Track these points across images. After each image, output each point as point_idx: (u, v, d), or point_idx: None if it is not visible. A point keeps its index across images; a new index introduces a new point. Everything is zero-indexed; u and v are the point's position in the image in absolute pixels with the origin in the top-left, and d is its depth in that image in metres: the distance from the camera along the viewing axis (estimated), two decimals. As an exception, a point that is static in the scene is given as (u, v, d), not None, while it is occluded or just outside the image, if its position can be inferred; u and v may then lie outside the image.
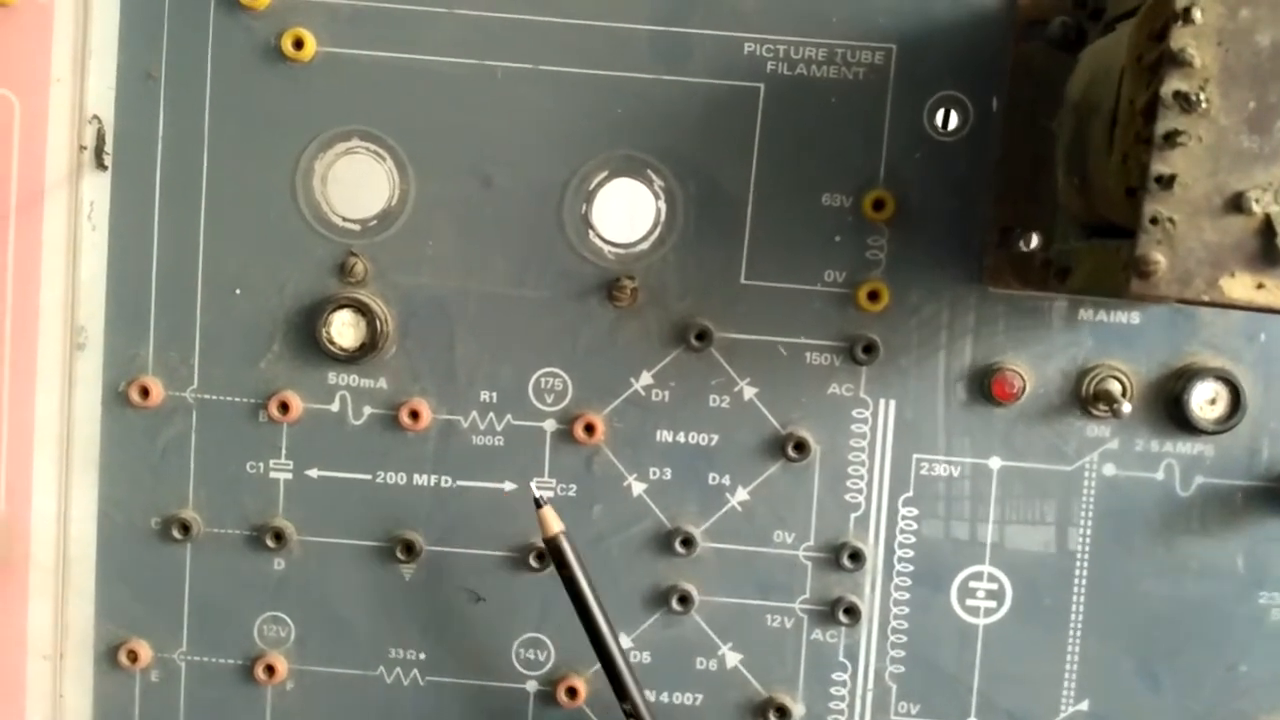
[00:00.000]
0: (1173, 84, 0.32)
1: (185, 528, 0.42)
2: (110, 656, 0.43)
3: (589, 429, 0.42)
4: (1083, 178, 0.37)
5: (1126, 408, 0.40)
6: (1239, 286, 0.32)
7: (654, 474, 0.43)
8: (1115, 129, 0.34)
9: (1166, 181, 0.32)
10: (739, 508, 0.42)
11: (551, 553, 0.40)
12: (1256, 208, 0.32)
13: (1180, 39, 0.31)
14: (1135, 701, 0.42)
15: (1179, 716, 0.42)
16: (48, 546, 0.43)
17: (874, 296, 0.41)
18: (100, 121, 0.42)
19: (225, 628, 0.43)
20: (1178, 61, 0.31)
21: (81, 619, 0.43)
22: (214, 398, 0.42)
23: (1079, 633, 0.42)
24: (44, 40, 0.42)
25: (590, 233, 0.42)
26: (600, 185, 0.41)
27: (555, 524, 0.40)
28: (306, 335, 0.42)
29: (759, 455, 0.42)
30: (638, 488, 0.43)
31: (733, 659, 0.43)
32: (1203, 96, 0.32)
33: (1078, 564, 0.42)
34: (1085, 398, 0.41)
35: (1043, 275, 0.39)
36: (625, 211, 0.41)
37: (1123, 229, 0.34)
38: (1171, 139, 0.32)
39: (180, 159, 0.42)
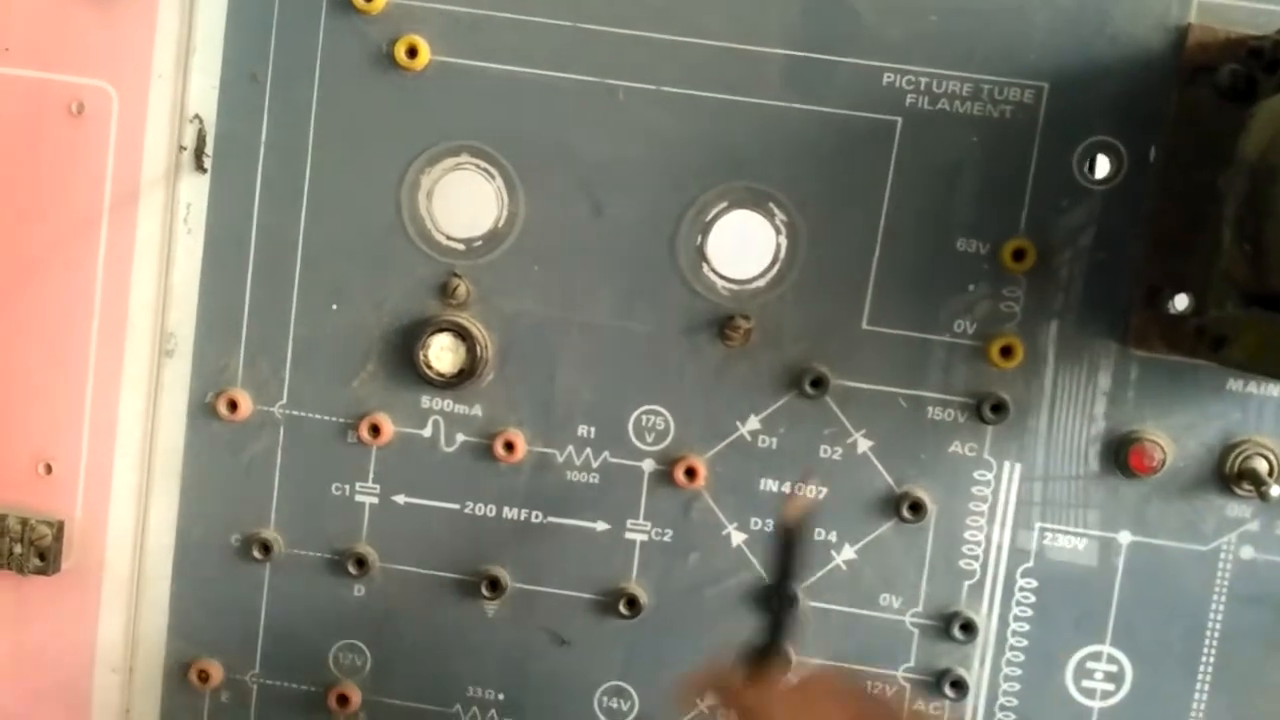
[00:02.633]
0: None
1: (266, 547, 0.41)
2: (180, 673, 0.42)
3: (690, 473, 0.40)
4: (1256, 245, 0.34)
5: (1276, 490, 0.37)
6: None
7: (755, 524, 0.40)
8: (1305, 196, 0.31)
9: (1367, 261, 0.29)
10: (844, 566, 0.40)
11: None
12: None
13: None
14: (1258, 800, 0.40)
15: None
16: (123, 557, 0.42)
17: (1007, 352, 0.38)
18: (201, 121, 0.40)
19: (300, 652, 0.42)
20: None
21: (153, 633, 0.42)
22: (303, 415, 0.41)
23: (1202, 723, 0.39)
24: (147, 33, 0.40)
25: (704, 266, 0.39)
26: (718, 216, 0.39)
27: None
28: (403, 356, 0.40)
29: (870, 512, 0.40)
30: (737, 538, 0.40)
31: (828, 725, 0.41)
32: None
33: (1205, 649, 0.39)
34: (1228, 475, 0.38)
35: (1194, 342, 0.36)
36: (743, 246, 0.39)
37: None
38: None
39: (282, 165, 0.40)
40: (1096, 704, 0.40)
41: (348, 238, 0.40)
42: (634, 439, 0.40)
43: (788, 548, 0.37)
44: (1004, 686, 0.40)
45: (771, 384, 0.40)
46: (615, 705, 0.41)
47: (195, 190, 0.40)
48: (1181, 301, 0.37)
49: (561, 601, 0.41)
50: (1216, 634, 0.39)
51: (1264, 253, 0.33)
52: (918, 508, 0.39)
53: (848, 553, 0.40)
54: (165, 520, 0.42)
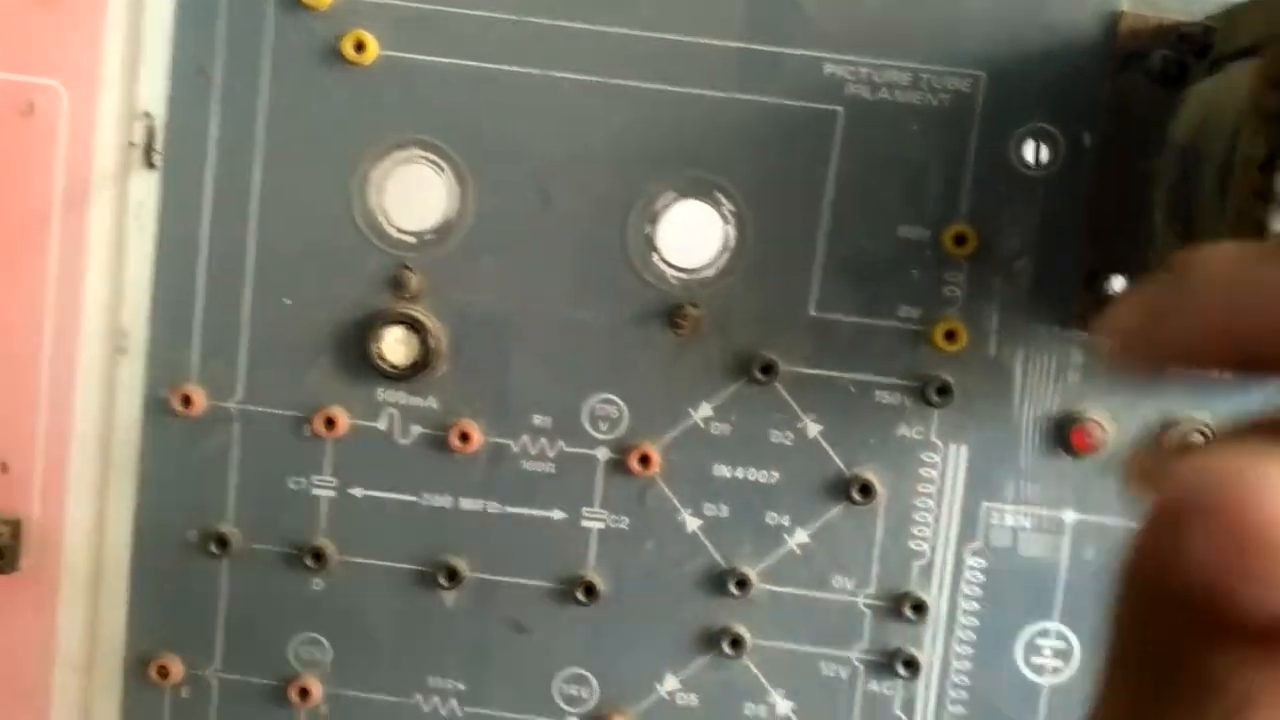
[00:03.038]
0: (1302, 135, 0.30)
1: (223, 542, 0.41)
2: (140, 670, 0.42)
3: (644, 460, 0.40)
4: (1186, 226, 0.35)
5: (1214, 466, 0.38)
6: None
7: (710, 510, 0.41)
8: (1229, 180, 0.32)
9: (1287, 240, 0.30)
10: (798, 550, 0.41)
11: None
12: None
13: (1315, 89, 0.28)
14: (1203, 770, 0.40)
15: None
16: (81, 554, 0.42)
17: (951, 336, 0.39)
18: (151, 118, 0.40)
19: (260, 647, 0.42)
20: (1310, 113, 0.29)
21: (113, 631, 0.42)
22: (258, 409, 0.41)
23: (1148, 696, 0.40)
24: (95, 30, 0.40)
25: (654, 255, 0.40)
26: (667, 206, 0.40)
27: None
28: (356, 350, 0.40)
29: (821, 496, 0.40)
30: (692, 524, 0.41)
31: (784, 707, 0.41)
32: (1333, 149, 0.30)
33: (1150, 624, 0.40)
34: (1170, 455, 0.39)
35: (1132, 323, 0.37)
36: (692, 235, 0.40)
37: (1230, 284, 0.32)
38: (1296, 194, 0.30)
39: (233, 161, 0.40)
40: (1047, 681, 0.41)
41: (299, 232, 0.40)
42: (588, 428, 0.41)
43: None
44: (955, 665, 0.41)
45: (722, 371, 0.40)
46: (575, 692, 0.42)
47: (146, 188, 0.40)
48: (1119, 284, 0.38)
49: (520, 590, 0.41)
50: (1160, 608, 0.40)
51: (1193, 235, 0.34)
52: (867, 490, 0.40)
53: (800, 536, 0.41)
54: (123, 517, 0.42)
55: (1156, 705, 0.16)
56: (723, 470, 0.41)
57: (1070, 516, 0.40)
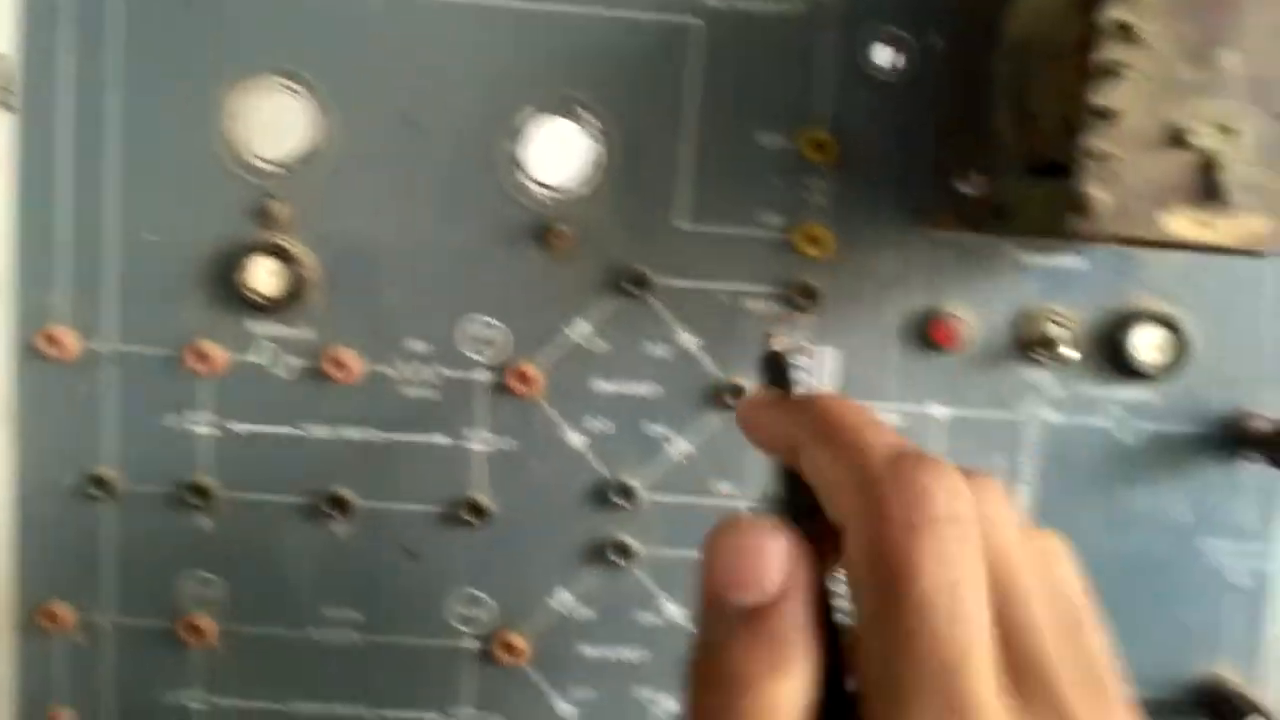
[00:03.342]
0: (1112, 12, 0.31)
1: (104, 484, 0.41)
2: (32, 620, 0.42)
3: (524, 379, 0.41)
4: (1023, 114, 0.36)
5: (1073, 354, 0.39)
6: (1180, 223, 0.32)
7: (593, 426, 0.41)
8: (1054, 62, 0.33)
9: (1106, 115, 0.31)
10: (681, 459, 0.42)
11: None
12: (1197, 142, 0.31)
13: (1120, -37, 0.30)
14: (1077, 649, 0.42)
15: (1127, 672, 0.42)
16: (-39, 506, 0.41)
17: (814, 240, 0.40)
18: (5, 59, 0.39)
19: (151, 589, 0.42)
20: (1117, -13, 0.30)
21: (1, 581, 0.42)
22: (130, 349, 0.41)
23: (1021, 581, 0.42)
24: (-58, -28, 0.39)
25: (521, 175, 0.40)
26: (532, 125, 0.40)
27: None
28: (226, 283, 0.40)
29: (701, 405, 0.41)
30: (576, 439, 0.42)
31: (675, 612, 0.42)
32: (1143, 25, 0.31)
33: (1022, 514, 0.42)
34: (1027, 344, 0.41)
35: (986, 218, 0.38)
36: (558, 152, 0.40)
37: (1063, 167, 0.33)
38: (1111, 70, 0.31)
39: (89, 97, 0.39)
40: (924, 571, 0.42)
41: (160, 166, 0.40)
42: (466, 351, 0.41)
43: (776, 369, 0.35)
44: (836, 561, 0.42)
45: (596, 287, 0.41)
46: (470, 613, 0.42)
47: (3, 130, 0.40)
48: (973, 182, 0.39)
49: (409, 516, 0.42)
50: (1037, 500, 0.42)
51: (1031, 120, 0.35)
52: (741, 394, 0.41)
53: (682, 445, 0.41)
54: (4, 465, 0.41)
55: (702, 692, 0.24)
56: (603, 385, 0.41)
57: (941, 412, 0.41)
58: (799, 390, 0.33)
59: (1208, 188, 0.31)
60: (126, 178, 0.40)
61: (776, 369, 0.35)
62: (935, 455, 0.25)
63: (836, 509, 0.25)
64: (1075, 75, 0.31)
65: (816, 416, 0.27)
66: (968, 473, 0.25)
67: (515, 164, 0.40)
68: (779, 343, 0.36)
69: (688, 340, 0.41)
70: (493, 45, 0.39)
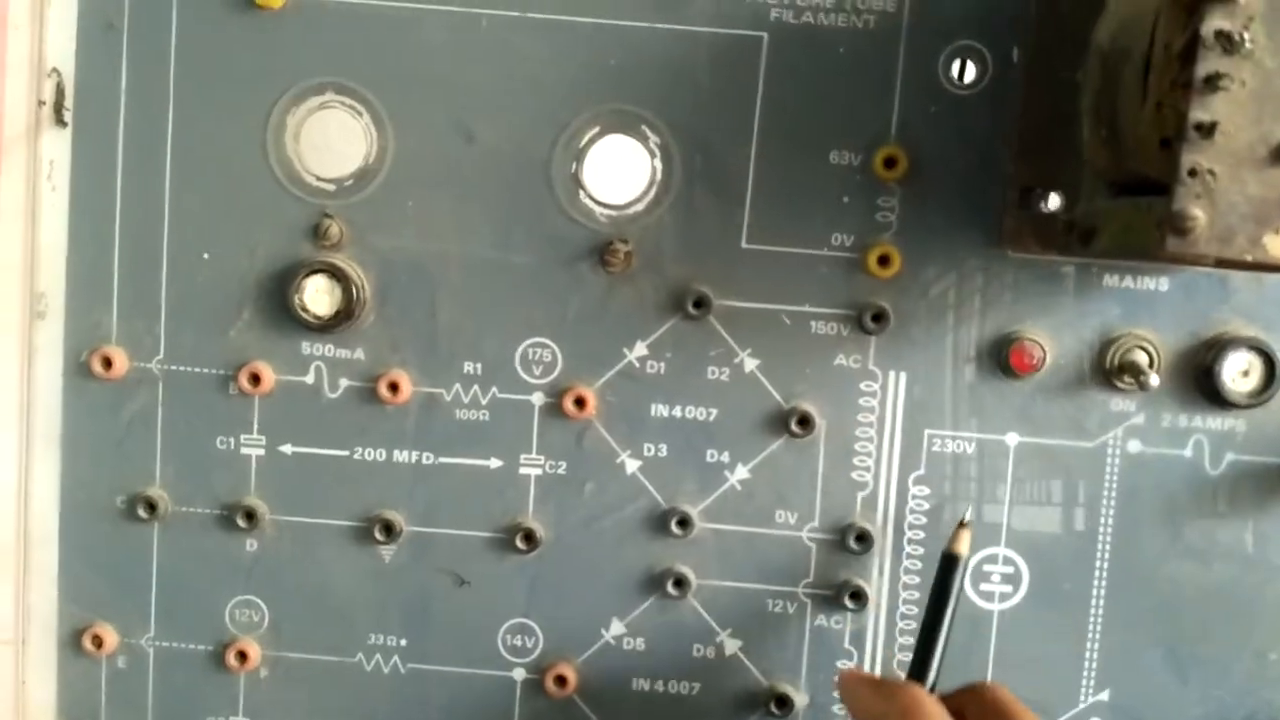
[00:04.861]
0: (1214, 22, 0.29)
1: (151, 506, 0.40)
2: (75, 642, 0.41)
3: (579, 403, 0.39)
4: (1112, 130, 0.34)
5: (1154, 380, 0.37)
6: (1283, 245, 0.30)
7: (649, 450, 0.40)
8: (1149, 75, 0.31)
9: (1206, 130, 0.29)
10: (739, 486, 0.40)
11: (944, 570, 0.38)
12: (1305, 158, 0.29)
13: (1225, -31, 0.28)
14: (1159, 691, 0.40)
15: (1204, 706, 0.40)
16: (7, 525, 0.41)
17: (884, 261, 0.38)
18: (60, 75, 0.39)
19: (195, 612, 0.41)
20: (1221, -5, 0.28)
21: (44, 602, 0.41)
22: (181, 369, 0.40)
23: (1100, 619, 0.40)
24: (0, -13, 0.39)
25: (581, 193, 0.39)
26: (591, 142, 0.39)
27: (964, 547, 0.38)
28: (278, 303, 0.39)
29: (761, 431, 0.40)
30: (631, 465, 0.40)
31: (731, 646, 0.41)
32: (1247, 36, 0.29)
33: (1099, 546, 0.40)
34: (1109, 370, 0.39)
35: (1066, 238, 0.37)
36: (618, 170, 0.39)
37: (1156, 185, 0.31)
38: (1212, 83, 0.29)
39: (145, 115, 0.39)
40: (996, 606, 0.40)
41: (215, 184, 0.39)
42: (521, 372, 0.40)
43: (947, 571, 0.38)
44: (903, 595, 0.40)
45: (655, 308, 0.39)
46: (519, 642, 0.41)
47: (58, 146, 0.39)
48: (1052, 201, 0.37)
49: (459, 542, 0.41)
50: (1109, 530, 0.40)
51: (1119, 135, 0.34)
52: (806, 421, 0.39)
53: (741, 472, 0.40)
54: (49, 485, 0.41)
55: None
56: (660, 409, 0.40)
57: (1013, 439, 0.39)
58: (953, 600, 0.37)
59: (1314, 207, 0.29)
60: (180, 195, 0.39)
61: (947, 571, 0.37)
62: None
63: None
64: (1172, 88, 0.30)
65: (904, 710, 0.32)
66: None
67: (575, 182, 0.39)
68: (961, 546, 0.38)
69: (749, 363, 0.40)
70: (552, 61, 0.38)
